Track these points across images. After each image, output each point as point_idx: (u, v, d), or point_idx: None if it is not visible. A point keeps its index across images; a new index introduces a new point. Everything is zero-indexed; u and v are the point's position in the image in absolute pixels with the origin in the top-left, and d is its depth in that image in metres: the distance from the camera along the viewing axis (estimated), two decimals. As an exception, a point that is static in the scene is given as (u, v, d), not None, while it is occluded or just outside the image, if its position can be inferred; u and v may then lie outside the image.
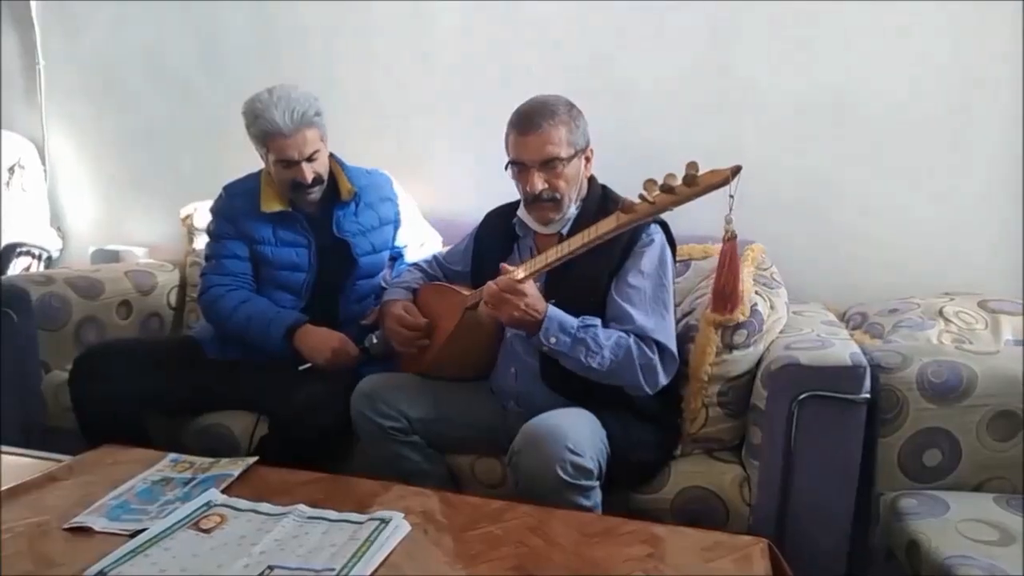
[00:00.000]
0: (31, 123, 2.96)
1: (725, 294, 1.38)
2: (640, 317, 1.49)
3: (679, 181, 1.30)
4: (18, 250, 2.82)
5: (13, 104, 2.98)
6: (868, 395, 1.44)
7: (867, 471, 1.50)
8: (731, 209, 1.27)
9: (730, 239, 1.33)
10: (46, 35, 2.90)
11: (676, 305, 1.66)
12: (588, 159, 1.61)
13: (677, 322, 1.66)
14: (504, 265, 1.48)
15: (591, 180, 1.65)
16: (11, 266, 2.83)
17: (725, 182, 1.26)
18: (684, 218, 1.51)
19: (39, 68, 2.91)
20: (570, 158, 1.54)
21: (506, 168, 1.59)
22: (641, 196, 1.33)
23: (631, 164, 2.12)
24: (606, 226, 1.39)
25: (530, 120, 1.53)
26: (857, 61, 2.06)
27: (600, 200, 1.62)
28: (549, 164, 1.53)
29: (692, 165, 1.28)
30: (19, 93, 2.98)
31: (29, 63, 2.93)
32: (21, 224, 2.88)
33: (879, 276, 2.09)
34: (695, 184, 1.28)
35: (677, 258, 1.69)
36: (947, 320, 1.76)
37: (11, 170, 2.87)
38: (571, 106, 1.57)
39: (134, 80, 2.81)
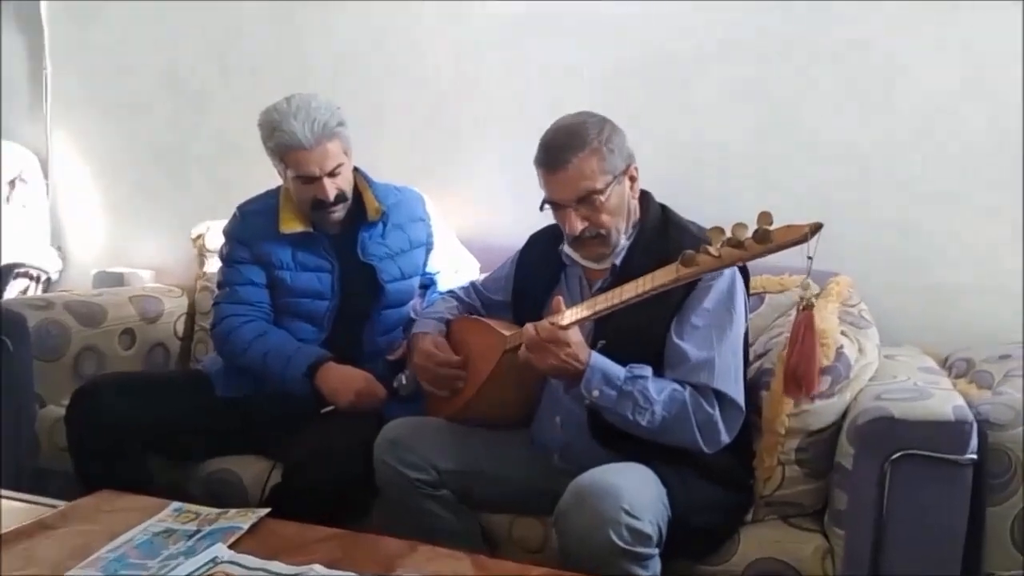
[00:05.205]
0: (35, 133, 3.02)
1: (798, 375, 1.33)
2: (698, 356, 1.46)
3: (749, 234, 1.25)
4: (15, 271, 2.87)
5: (16, 112, 3.03)
6: (975, 456, 1.39)
7: (973, 546, 1.44)
8: (809, 273, 1.23)
9: (806, 308, 1.29)
10: (55, 39, 2.96)
11: (749, 345, 1.63)
12: (633, 178, 1.57)
13: (749, 365, 1.62)
14: (559, 299, 1.46)
15: (646, 199, 1.63)
16: (7, 288, 2.88)
17: (803, 240, 1.20)
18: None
19: (46, 74, 2.97)
20: (608, 187, 1.51)
21: (541, 208, 1.58)
22: (704, 249, 1.29)
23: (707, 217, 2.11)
24: (663, 277, 1.35)
25: (556, 155, 1.50)
26: (941, 101, 2.05)
27: (660, 224, 1.60)
28: (586, 200, 1.50)
29: (765, 217, 1.23)
30: (23, 101, 3.03)
31: (35, 68, 3.00)
32: (20, 243, 2.92)
33: (985, 317, 2.03)
34: (767, 241, 1.23)
35: (751, 291, 1.65)
36: (1067, 370, 1.70)
37: (11, 184, 2.92)
38: (602, 126, 1.52)
39: (145, 89, 2.87)
